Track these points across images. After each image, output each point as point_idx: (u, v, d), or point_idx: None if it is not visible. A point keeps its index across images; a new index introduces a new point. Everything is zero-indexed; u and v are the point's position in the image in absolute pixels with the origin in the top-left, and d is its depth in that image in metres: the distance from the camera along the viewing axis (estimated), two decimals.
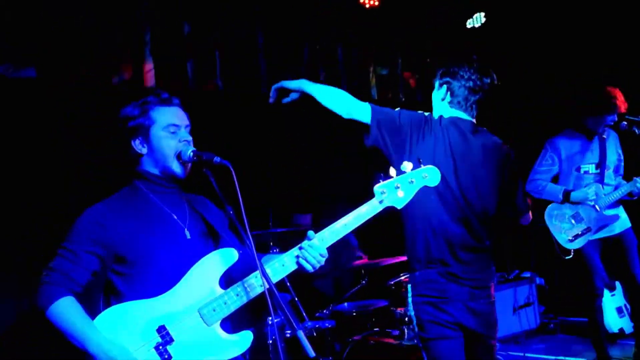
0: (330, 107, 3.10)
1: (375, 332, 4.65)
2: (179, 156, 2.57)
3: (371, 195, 2.62)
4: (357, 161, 6.02)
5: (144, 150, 2.61)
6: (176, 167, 2.59)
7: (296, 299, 4.16)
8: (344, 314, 4.83)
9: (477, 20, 6.82)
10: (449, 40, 7.28)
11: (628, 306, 6.14)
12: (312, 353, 2.30)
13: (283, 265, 2.55)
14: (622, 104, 4.74)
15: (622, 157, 5.10)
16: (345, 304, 5.00)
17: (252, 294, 2.51)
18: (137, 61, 5.49)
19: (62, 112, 4.95)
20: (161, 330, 2.44)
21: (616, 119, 4.77)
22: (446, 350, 2.87)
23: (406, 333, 4.42)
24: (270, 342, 4.17)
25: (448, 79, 3.03)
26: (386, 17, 6.58)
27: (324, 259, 2.55)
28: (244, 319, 2.73)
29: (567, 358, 5.44)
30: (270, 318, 3.99)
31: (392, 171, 2.65)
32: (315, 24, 6.49)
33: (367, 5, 6.18)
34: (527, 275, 6.87)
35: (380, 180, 2.63)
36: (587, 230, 4.96)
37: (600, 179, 4.98)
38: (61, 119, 4.93)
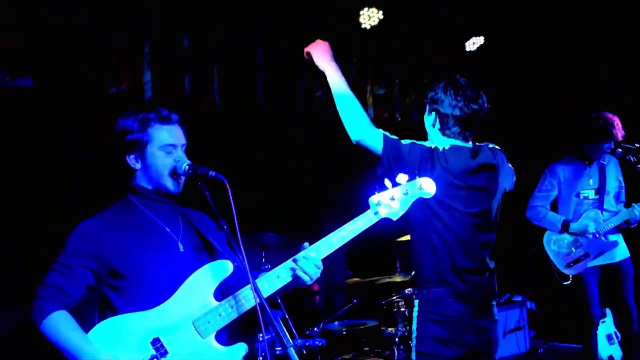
0: (345, 122, 3.10)
1: (365, 352, 4.62)
2: (173, 172, 2.58)
3: (366, 207, 2.63)
4: (352, 172, 6.04)
5: (138, 166, 2.62)
6: (170, 185, 2.60)
7: (287, 316, 4.14)
8: (334, 332, 4.81)
9: (475, 43, 6.87)
10: (447, 62, 7.33)
11: (618, 334, 6.13)
12: None
13: (278, 277, 2.56)
14: (619, 131, 4.77)
15: (623, 184, 5.13)
16: (336, 322, 4.98)
17: (247, 306, 2.51)
18: (136, 73, 5.50)
19: (59, 121, 4.95)
20: (155, 342, 2.44)
21: (613, 146, 4.81)
22: None
23: (396, 353, 4.40)
24: (261, 358, 4.15)
25: (435, 106, 3.05)
26: (384, 38, 6.62)
27: (319, 271, 2.55)
28: (239, 332, 2.71)
29: None
30: (260, 334, 3.97)
31: (388, 182, 2.66)
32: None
33: (368, 26, 6.20)
34: (519, 299, 6.86)
35: (375, 192, 2.64)
36: (586, 255, 4.96)
37: (599, 205, 4.99)
38: (58, 128, 4.93)
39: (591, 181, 5.01)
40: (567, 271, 5.05)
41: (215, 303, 2.53)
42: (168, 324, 2.46)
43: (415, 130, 7.53)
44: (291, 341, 4.21)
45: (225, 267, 2.59)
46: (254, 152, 5.92)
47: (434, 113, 3.06)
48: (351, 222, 2.61)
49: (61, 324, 2.42)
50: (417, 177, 2.69)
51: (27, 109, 4.85)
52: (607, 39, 6.34)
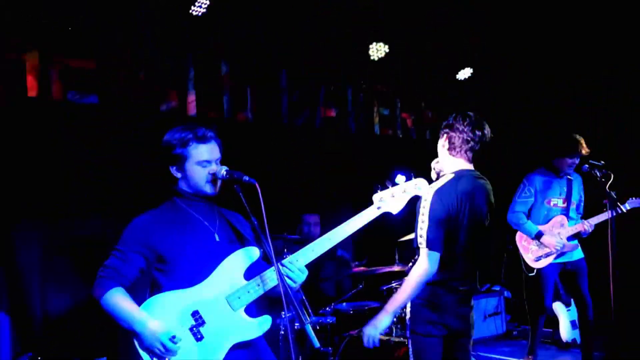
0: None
1: None
2: (212, 180, 2.59)
3: (368, 205, 2.66)
4: (359, 179, 6.04)
5: (179, 175, 2.64)
6: (207, 189, 2.62)
7: (304, 298, 4.16)
8: (343, 312, 4.81)
9: (465, 73, 6.86)
10: (441, 88, 7.34)
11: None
12: (317, 344, 2.31)
13: (262, 282, 2.56)
14: (583, 149, 4.76)
15: (582, 198, 5.12)
16: (344, 304, 4.98)
17: (271, 284, 2.54)
18: (182, 93, 5.54)
19: (120, 133, 5.00)
20: (195, 314, 2.48)
21: (577, 161, 4.81)
22: (429, 346, 2.90)
23: (394, 331, 4.40)
24: (282, 332, 4.15)
25: (447, 130, 3.03)
26: (389, 67, 6.63)
27: (303, 275, 2.54)
28: (265, 308, 2.72)
29: None
30: (283, 312, 3.98)
31: (388, 183, 2.70)
32: (329, 70, 6.55)
33: (375, 58, 6.21)
34: (497, 288, 6.84)
35: (378, 190, 2.66)
36: (550, 253, 4.94)
37: (565, 212, 5.00)
38: (119, 138, 4.98)
39: (560, 192, 5.00)
40: (533, 264, 5.04)
41: (244, 282, 2.55)
42: (205, 299, 2.49)
43: (413, 145, 7.59)
44: (308, 319, 4.23)
45: (253, 253, 2.62)
46: (280, 160, 5.94)
47: (445, 135, 3.04)
48: (357, 215, 2.64)
49: (118, 298, 2.46)
50: (413, 178, 2.71)
51: (92, 123, 4.91)
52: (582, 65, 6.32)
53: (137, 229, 2.57)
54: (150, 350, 2.40)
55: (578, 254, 5.02)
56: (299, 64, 6.28)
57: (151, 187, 2.77)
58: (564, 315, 6.00)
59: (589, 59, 6.02)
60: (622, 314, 4.09)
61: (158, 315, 2.44)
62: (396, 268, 4.72)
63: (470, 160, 3.02)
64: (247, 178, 2.50)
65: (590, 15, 5.46)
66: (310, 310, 4.29)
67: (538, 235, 4.91)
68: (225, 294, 2.51)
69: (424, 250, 2.80)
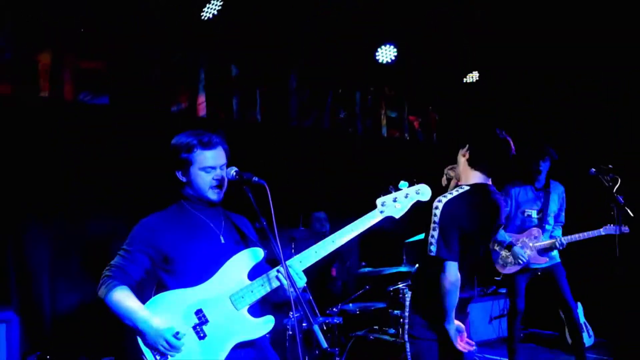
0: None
1: (374, 329, 4.59)
2: (217, 185, 2.59)
3: (374, 207, 2.66)
4: (365, 179, 6.04)
5: (184, 180, 2.63)
6: (211, 195, 2.61)
7: (311, 298, 4.14)
8: (350, 312, 4.79)
9: (473, 76, 6.83)
10: (448, 92, 7.31)
11: (587, 324, 6.04)
12: (324, 344, 2.29)
13: (263, 285, 2.54)
14: (548, 155, 4.88)
15: (563, 208, 5.10)
16: (351, 304, 4.96)
17: (274, 285, 2.52)
18: (192, 95, 5.55)
19: (131, 133, 5.01)
20: (198, 312, 2.47)
21: (547, 166, 4.92)
22: (426, 350, 2.89)
23: (401, 331, 4.37)
24: (290, 332, 4.14)
25: (472, 141, 2.98)
26: (396, 71, 6.62)
27: (302, 280, 2.53)
28: (270, 309, 2.71)
29: None
30: (291, 313, 3.96)
31: (391, 187, 2.71)
32: (338, 73, 6.55)
33: (384, 61, 6.20)
34: (503, 291, 6.78)
35: (381, 195, 2.68)
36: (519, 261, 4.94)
37: (540, 223, 5.00)
38: (129, 139, 4.98)
39: (536, 203, 5.01)
40: (500, 270, 5.07)
41: (248, 282, 2.55)
42: (209, 298, 2.49)
43: (420, 148, 7.57)
44: (316, 319, 4.22)
45: (258, 254, 2.61)
46: (287, 161, 5.93)
47: (468, 146, 2.99)
48: (361, 219, 2.63)
49: (122, 297, 2.45)
50: (416, 184, 2.71)
51: (103, 123, 4.91)
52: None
53: (144, 230, 2.57)
54: (153, 348, 2.39)
55: (552, 260, 5.00)
56: (308, 66, 6.28)
57: (161, 188, 2.77)
58: None
59: (597, 61, 5.97)
60: (627, 316, 4.07)
61: (162, 313, 2.43)
62: (403, 269, 4.70)
63: (489, 175, 2.98)
64: (256, 179, 2.50)
65: (599, 18, 5.42)
66: (317, 310, 4.28)
67: (508, 246, 4.90)
68: (229, 294, 2.51)
69: (442, 262, 2.77)
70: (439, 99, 7.55)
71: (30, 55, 4.58)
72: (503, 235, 4.94)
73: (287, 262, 2.49)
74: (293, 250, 4.64)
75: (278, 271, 2.52)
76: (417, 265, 3.11)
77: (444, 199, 2.82)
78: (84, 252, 4.67)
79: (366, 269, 4.88)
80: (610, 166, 4.24)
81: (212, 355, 2.43)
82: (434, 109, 7.64)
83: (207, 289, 2.50)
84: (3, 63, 4.44)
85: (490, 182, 2.99)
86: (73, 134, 4.76)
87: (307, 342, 4.24)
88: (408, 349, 2.95)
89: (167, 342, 2.37)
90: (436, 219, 2.79)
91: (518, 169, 5.11)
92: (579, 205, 5.44)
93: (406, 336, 2.98)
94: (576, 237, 4.83)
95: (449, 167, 3.13)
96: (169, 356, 2.39)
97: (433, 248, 2.78)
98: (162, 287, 2.56)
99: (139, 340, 2.41)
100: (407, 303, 3.00)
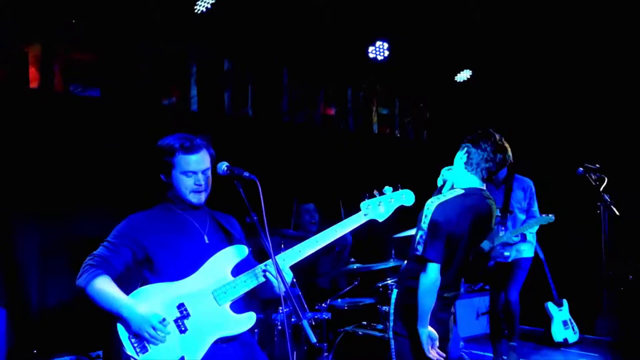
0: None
1: (363, 325, 4.60)
2: (198, 189, 2.60)
3: (358, 210, 2.73)
4: (355, 178, 6.03)
5: (167, 182, 2.65)
6: (192, 198, 2.63)
7: (300, 293, 4.14)
8: (339, 308, 4.79)
9: (464, 75, 6.85)
10: (440, 90, 7.32)
11: (572, 320, 6.09)
12: (313, 339, 2.29)
13: (245, 281, 2.57)
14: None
15: (533, 202, 5.10)
16: (340, 300, 4.96)
17: (259, 280, 2.55)
18: (184, 88, 5.52)
19: (121, 126, 4.96)
20: (180, 306, 2.48)
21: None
22: (410, 347, 2.91)
23: (389, 327, 4.37)
24: (279, 328, 4.14)
25: (469, 145, 2.95)
26: (388, 68, 6.62)
27: (287, 276, 2.53)
28: (253, 307, 2.71)
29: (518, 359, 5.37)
30: (280, 308, 3.96)
31: (376, 192, 2.78)
32: (330, 70, 6.54)
33: (379, 59, 6.20)
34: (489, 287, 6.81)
35: (366, 198, 2.75)
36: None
37: (500, 220, 5.04)
38: (120, 132, 4.94)
39: (497, 201, 5.07)
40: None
41: (231, 278, 2.57)
42: (192, 292, 2.50)
43: (410, 145, 7.57)
44: (305, 314, 4.21)
45: (242, 251, 2.64)
46: (278, 156, 5.91)
47: (465, 149, 2.97)
48: (345, 220, 2.69)
49: (105, 284, 2.44)
50: (400, 189, 2.77)
51: (94, 116, 4.87)
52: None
53: (130, 225, 2.59)
54: (137, 335, 2.38)
55: (516, 255, 5.08)
56: (300, 62, 6.26)
57: (151, 182, 2.76)
58: (556, 315, 6.02)
59: (590, 60, 6.00)
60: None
61: (143, 304, 2.43)
62: (392, 264, 4.70)
63: (484, 180, 2.97)
64: (247, 174, 2.51)
65: (591, 17, 5.44)
66: (305, 306, 4.28)
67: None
68: (212, 289, 2.52)
69: (425, 262, 2.78)
70: (431, 97, 7.56)
71: (20, 46, 4.53)
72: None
73: (272, 261, 2.51)
74: (282, 246, 4.63)
75: (265, 267, 2.55)
76: (404, 262, 3.12)
77: (436, 200, 2.82)
78: (72, 249, 4.63)
79: (355, 265, 4.88)
80: (597, 165, 4.26)
81: (193, 349, 2.44)
82: (426, 106, 7.65)
83: (190, 284, 2.52)
84: None
85: (484, 187, 2.99)
86: (63, 126, 4.70)
87: (296, 337, 4.23)
88: (392, 346, 2.97)
89: (154, 328, 2.36)
90: (426, 219, 2.80)
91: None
92: (565, 204, 5.48)
93: (391, 333, 2.99)
94: (521, 228, 4.95)
95: (446, 168, 3.13)
96: (149, 349, 2.39)
97: (420, 247, 2.79)
98: (145, 283, 2.56)
99: (119, 330, 2.39)
100: (392, 300, 3.01)
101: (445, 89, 7.15)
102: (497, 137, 2.93)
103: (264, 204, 2.37)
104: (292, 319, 4.21)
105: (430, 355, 2.83)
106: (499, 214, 5.02)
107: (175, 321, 2.45)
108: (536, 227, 5.06)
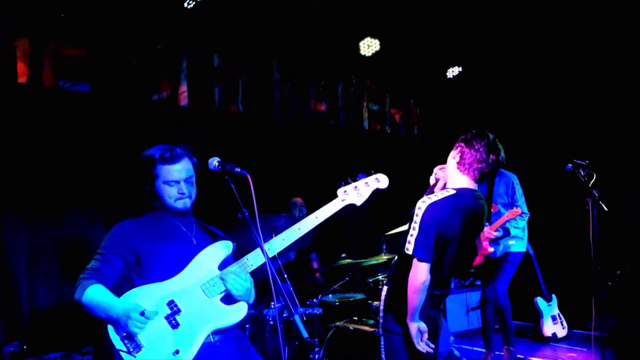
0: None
1: (354, 320, 4.61)
2: (182, 198, 2.66)
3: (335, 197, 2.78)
4: (347, 170, 6.02)
5: (152, 191, 2.69)
6: (178, 204, 2.69)
7: (291, 289, 4.15)
8: (330, 303, 4.80)
9: (455, 71, 6.86)
10: (430, 86, 7.34)
11: (561, 315, 6.14)
12: (305, 334, 2.30)
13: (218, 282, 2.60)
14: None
15: (515, 197, 5.06)
16: (331, 295, 4.97)
17: (248, 270, 2.61)
18: (174, 84, 5.49)
19: (111, 121, 4.93)
20: (170, 303, 2.52)
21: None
22: (399, 343, 2.92)
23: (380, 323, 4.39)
24: (271, 322, 4.14)
25: (463, 144, 2.94)
26: (379, 64, 6.62)
27: (247, 282, 2.58)
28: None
29: None
30: (273, 303, 3.97)
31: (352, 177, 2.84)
32: (321, 65, 6.53)
33: (367, 53, 6.20)
34: (480, 283, 6.84)
35: (343, 184, 2.80)
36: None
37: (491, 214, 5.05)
38: (109, 127, 4.90)
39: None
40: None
41: (218, 272, 2.61)
42: (181, 289, 2.55)
43: (400, 141, 7.57)
44: (297, 309, 4.22)
45: (227, 246, 2.70)
46: (269, 151, 5.90)
47: (458, 149, 2.96)
48: (324, 207, 2.73)
49: (96, 292, 2.48)
50: (373, 173, 2.82)
51: (83, 110, 4.83)
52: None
53: (118, 232, 2.63)
54: (128, 335, 2.40)
55: (503, 250, 5.09)
56: (290, 57, 6.25)
57: (137, 193, 2.78)
58: (545, 310, 6.06)
59: (580, 57, 6.03)
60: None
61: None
62: (384, 257, 4.71)
63: (476, 180, 2.96)
64: (238, 169, 2.53)
65: (581, 14, 5.47)
66: (297, 301, 4.29)
67: None
68: (200, 283, 2.57)
69: (414, 261, 2.79)
70: (421, 93, 7.58)
71: (9, 41, 4.48)
72: None
73: (257, 250, 2.58)
74: (274, 235, 4.63)
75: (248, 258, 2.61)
76: (395, 258, 3.12)
77: (428, 200, 2.82)
78: (60, 251, 4.61)
79: (346, 261, 4.89)
80: (586, 162, 4.29)
81: (186, 342, 2.47)
82: (416, 102, 7.66)
83: (179, 282, 2.57)
84: None
85: (476, 187, 2.98)
86: (52, 122, 4.65)
87: (288, 332, 4.23)
88: (382, 343, 2.98)
89: (135, 319, 2.36)
90: (418, 219, 2.79)
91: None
92: (555, 200, 5.52)
93: (380, 330, 3.00)
94: (500, 221, 4.95)
95: (439, 167, 3.13)
96: (142, 348, 2.41)
97: (410, 246, 2.79)
98: (133, 286, 2.58)
99: (110, 332, 2.42)
100: (382, 297, 3.01)
101: (436, 85, 7.17)
102: (491, 137, 2.91)
103: (255, 199, 2.37)
104: (284, 314, 4.22)
105: (420, 348, 2.84)
106: None
107: (167, 317, 2.48)
108: (523, 223, 5.05)
